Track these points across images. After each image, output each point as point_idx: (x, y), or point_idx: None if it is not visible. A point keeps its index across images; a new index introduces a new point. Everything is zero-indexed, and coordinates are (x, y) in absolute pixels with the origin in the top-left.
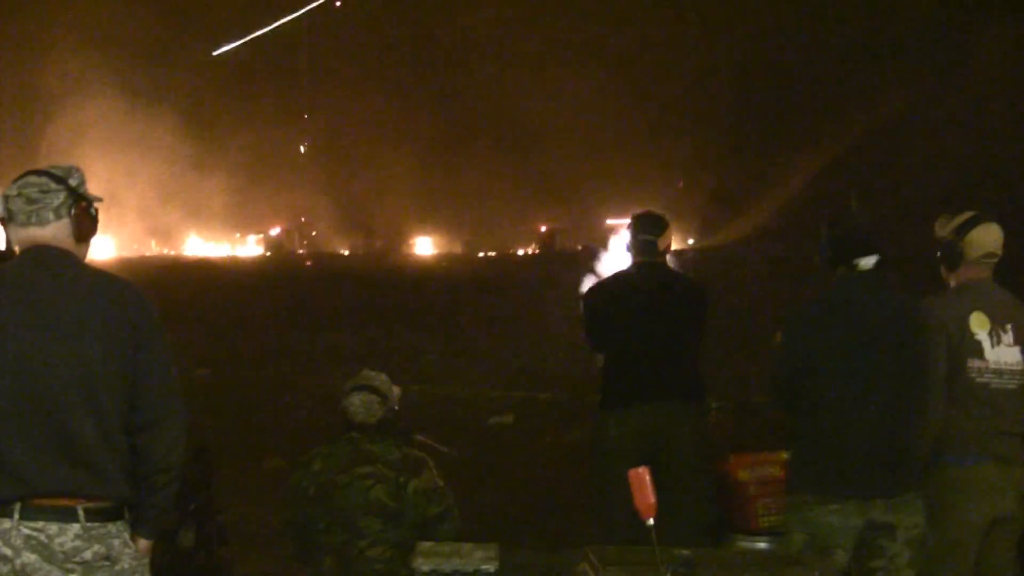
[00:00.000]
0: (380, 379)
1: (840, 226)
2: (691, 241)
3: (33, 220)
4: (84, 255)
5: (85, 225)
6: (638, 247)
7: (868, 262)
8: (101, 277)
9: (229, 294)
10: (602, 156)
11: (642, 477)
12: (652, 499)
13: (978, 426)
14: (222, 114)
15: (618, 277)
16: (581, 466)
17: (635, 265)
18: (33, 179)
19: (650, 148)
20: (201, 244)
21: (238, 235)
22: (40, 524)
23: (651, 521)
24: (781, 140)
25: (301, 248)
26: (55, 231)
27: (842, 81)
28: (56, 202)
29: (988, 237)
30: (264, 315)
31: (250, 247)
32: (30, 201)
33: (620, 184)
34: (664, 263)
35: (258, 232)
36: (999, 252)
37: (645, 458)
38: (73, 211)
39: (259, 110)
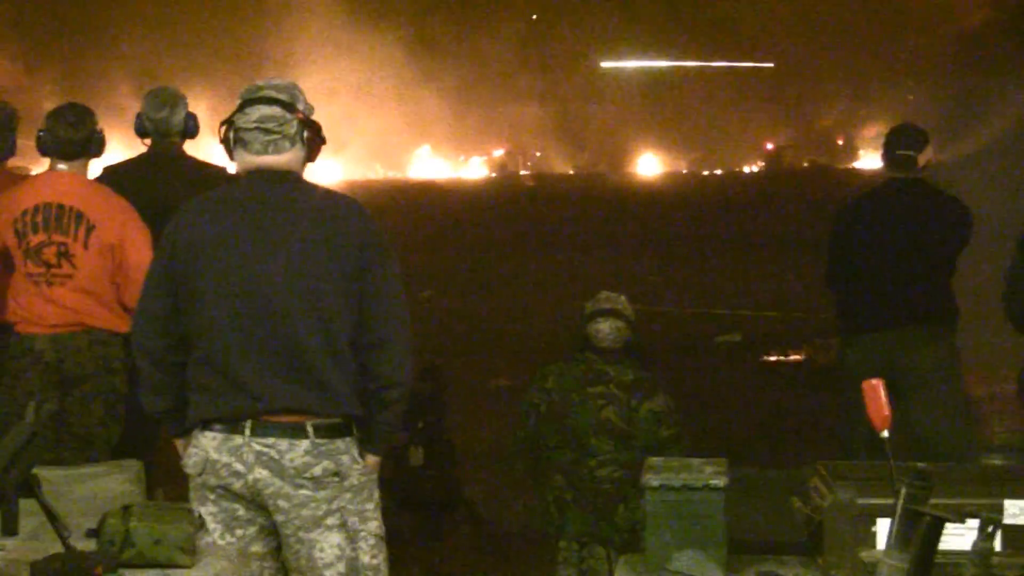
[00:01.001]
0: (622, 302)
1: None
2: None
3: (270, 150)
4: (303, 171)
5: (317, 149)
6: (895, 162)
7: None
8: (328, 196)
9: (454, 217)
10: (832, 69)
11: (876, 389)
12: (887, 411)
13: None
14: (445, 32)
15: (872, 194)
16: (809, 385)
17: (891, 181)
18: (266, 110)
19: (882, 60)
20: (426, 167)
21: (462, 157)
22: (271, 440)
23: (886, 433)
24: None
25: (525, 169)
26: (290, 158)
27: None
28: (292, 131)
29: None
30: (488, 237)
31: (474, 169)
32: (268, 132)
33: (851, 97)
34: (923, 180)
35: (481, 154)
36: None
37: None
38: (307, 135)
39: (480, 25)
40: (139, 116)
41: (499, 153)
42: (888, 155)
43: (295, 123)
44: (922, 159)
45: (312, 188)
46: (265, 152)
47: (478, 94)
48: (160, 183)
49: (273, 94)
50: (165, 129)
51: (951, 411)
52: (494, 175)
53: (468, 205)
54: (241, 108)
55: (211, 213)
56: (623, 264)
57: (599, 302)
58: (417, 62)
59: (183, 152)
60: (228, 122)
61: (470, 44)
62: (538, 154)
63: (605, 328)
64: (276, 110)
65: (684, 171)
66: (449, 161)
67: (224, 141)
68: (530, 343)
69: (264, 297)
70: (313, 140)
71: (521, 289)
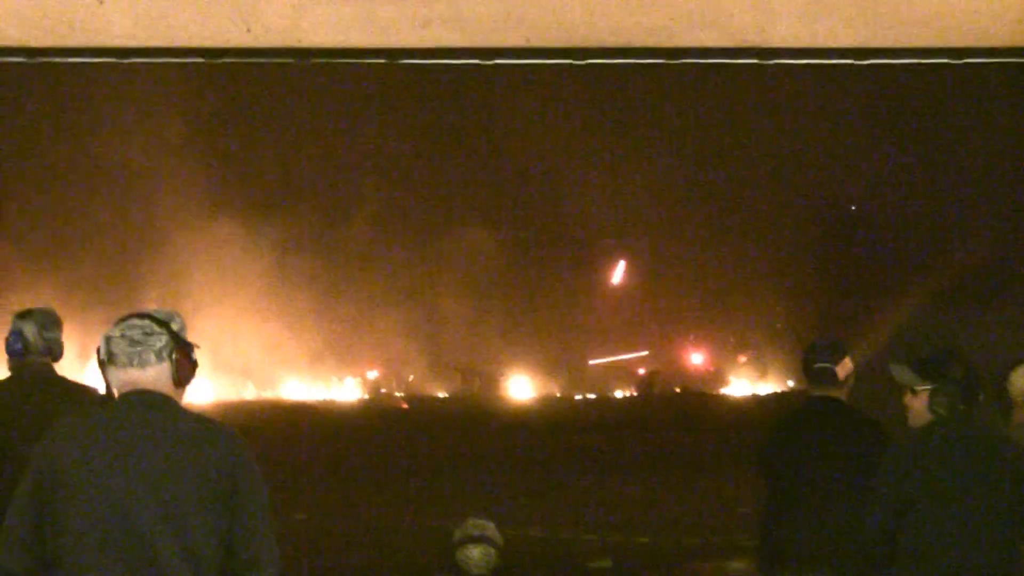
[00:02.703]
0: (491, 528)
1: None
2: (791, 383)
3: (135, 362)
4: (181, 399)
5: (185, 369)
6: (814, 377)
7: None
8: (197, 422)
9: (327, 438)
10: (699, 299)
11: None
12: None
13: None
14: (313, 255)
15: (791, 419)
16: None
17: (809, 402)
18: (136, 321)
19: (745, 289)
20: (299, 387)
21: (335, 378)
22: None
23: None
24: (876, 280)
25: (399, 391)
26: (156, 374)
27: (937, 218)
28: (159, 344)
29: (1020, 380)
30: (363, 459)
31: (348, 390)
32: (133, 343)
33: (718, 326)
34: (840, 401)
35: (355, 375)
36: None
37: None
38: (175, 355)
39: (344, 246)
40: (18, 333)
41: (373, 375)
42: (807, 371)
43: (163, 338)
44: (841, 372)
45: (181, 413)
46: (130, 365)
47: (351, 317)
48: (39, 402)
49: (148, 311)
50: (48, 348)
51: None
52: (368, 397)
53: (342, 426)
54: (115, 323)
55: (79, 437)
56: (493, 487)
57: (468, 528)
58: (289, 285)
59: (55, 372)
60: (103, 338)
61: (346, 277)
62: (411, 377)
63: (475, 555)
64: (145, 323)
65: (557, 394)
66: (323, 381)
67: (100, 361)
68: (403, 568)
69: (129, 525)
70: (182, 361)
71: (395, 511)
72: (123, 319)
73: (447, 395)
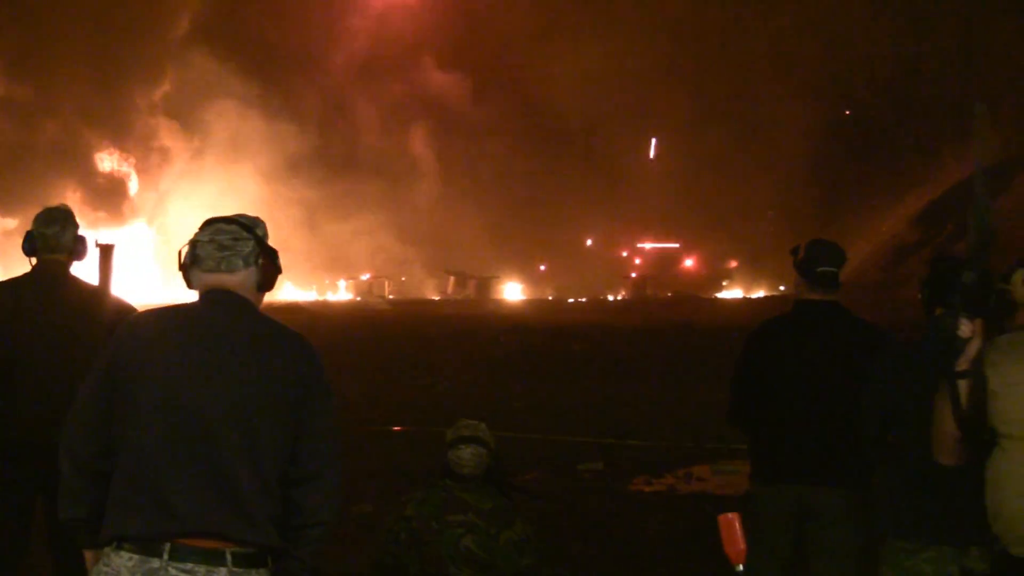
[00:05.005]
0: (483, 429)
1: (938, 267)
2: (783, 288)
3: (223, 267)
4: (259, 303)
5: (270, 274)
6: (817, 280)
7: None
8: (275, 328)
9: (318, 339)
10: (693, 204)
11: (732, 523)
12: (742, 545)
13: None
14: (324, 155)
15: (787, 319)
16: (670, 514)
17: (804, 304)
18: (224, 227)
19: (742, 194)
20: (292, 289)
21: (327, 280)
22: (188, 565)
23: (741, 567)
24: (873, 185)
25: (391, 294)
26: (242, 279)
27: (936, 124)
28: (246, 250)
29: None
30: (352, 360)
31: (340, 292)
32: (222, 248)
33: (709, 227)
34: (839, 303)
35: (348, 277)
36: None
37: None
38: (261, 260)
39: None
40: (29, 233)
41: (366, 277)
42: (808, 273)
43: (251, 244)
44: (840, 277)
45: (260, 317)
46: (218, 269)
47: (350, 218)
48: (51, 300)
49: (233, 216)
50: (54, 244)
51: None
52: (358, 299)
53: (333, 327)
54: (201, 228)
55: (158, 330)
56: (486, 389)
57: (460, 429)
58: (294, 185)
59: (69, 272)
60: (189, 242)
61: (351, 172)
62: (404, 279)
63: (466, 455)
64: (233, 227)
65: (550, 297)
66: (316, 285)
67: (182, 266)
68: (394, 468)
69: (198, 421)
70: (268, 267)
71: (385, 412)
72: (210, 223)
73: (439, 298)
